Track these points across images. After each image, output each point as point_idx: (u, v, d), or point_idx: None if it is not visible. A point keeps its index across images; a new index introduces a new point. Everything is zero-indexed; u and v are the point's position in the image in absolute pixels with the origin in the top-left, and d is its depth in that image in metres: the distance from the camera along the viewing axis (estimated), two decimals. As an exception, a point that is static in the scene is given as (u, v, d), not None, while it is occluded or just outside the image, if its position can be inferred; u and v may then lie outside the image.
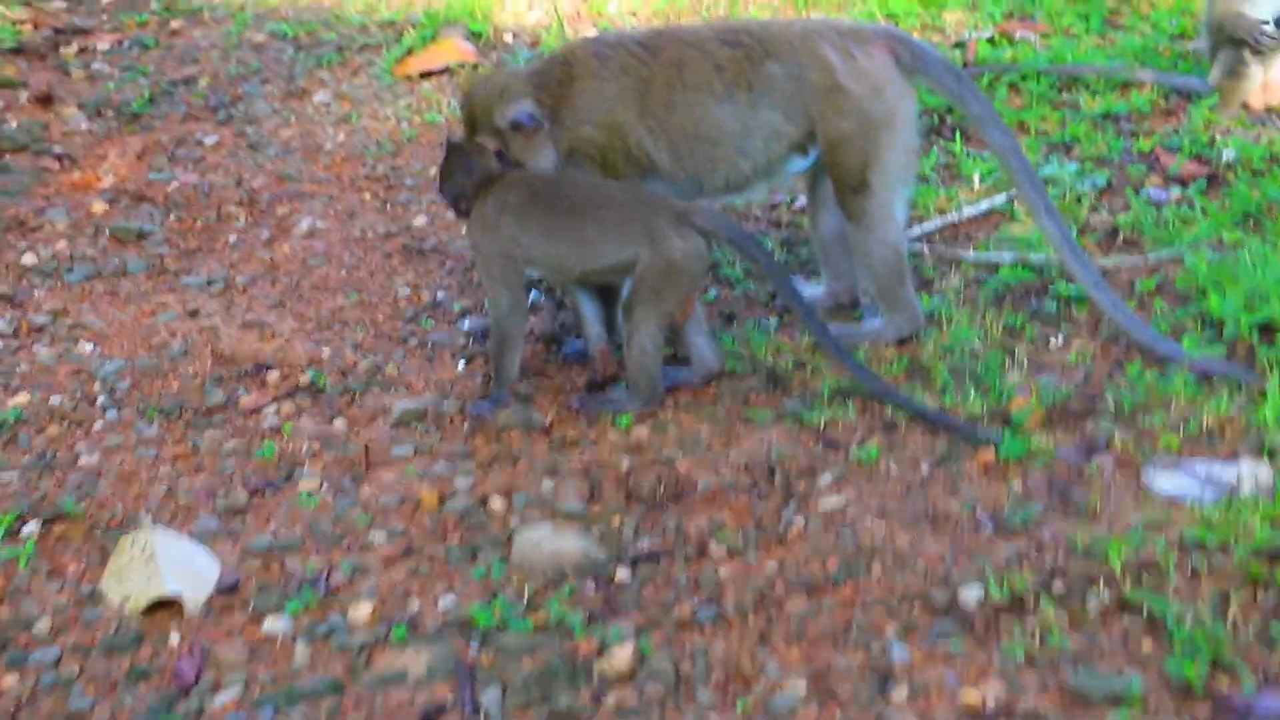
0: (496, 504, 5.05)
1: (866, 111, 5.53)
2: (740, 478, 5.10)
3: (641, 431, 5.38)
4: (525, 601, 4.60)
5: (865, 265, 5.68)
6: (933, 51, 5.68)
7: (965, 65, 7.76)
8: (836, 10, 8.58)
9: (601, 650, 4.37)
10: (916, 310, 5.70)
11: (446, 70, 8.25)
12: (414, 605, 4.62)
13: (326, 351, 5.95)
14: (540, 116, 5.57)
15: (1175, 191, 6.53)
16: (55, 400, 5.71)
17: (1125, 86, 7.45)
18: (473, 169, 5.49)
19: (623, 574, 4.70)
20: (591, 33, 8.57)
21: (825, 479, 5.07)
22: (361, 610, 4.59)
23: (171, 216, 7.07)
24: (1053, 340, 5.65)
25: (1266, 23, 6.94)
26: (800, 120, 5.57)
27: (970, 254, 6.24)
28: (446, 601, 4.62)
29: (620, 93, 5.60)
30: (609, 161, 5.63)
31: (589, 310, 5.65)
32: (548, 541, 4.80)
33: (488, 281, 5.51)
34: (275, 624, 4.56)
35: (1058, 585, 4.46)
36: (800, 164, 5.70)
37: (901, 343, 5.69)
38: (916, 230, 6.42)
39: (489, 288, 5.51)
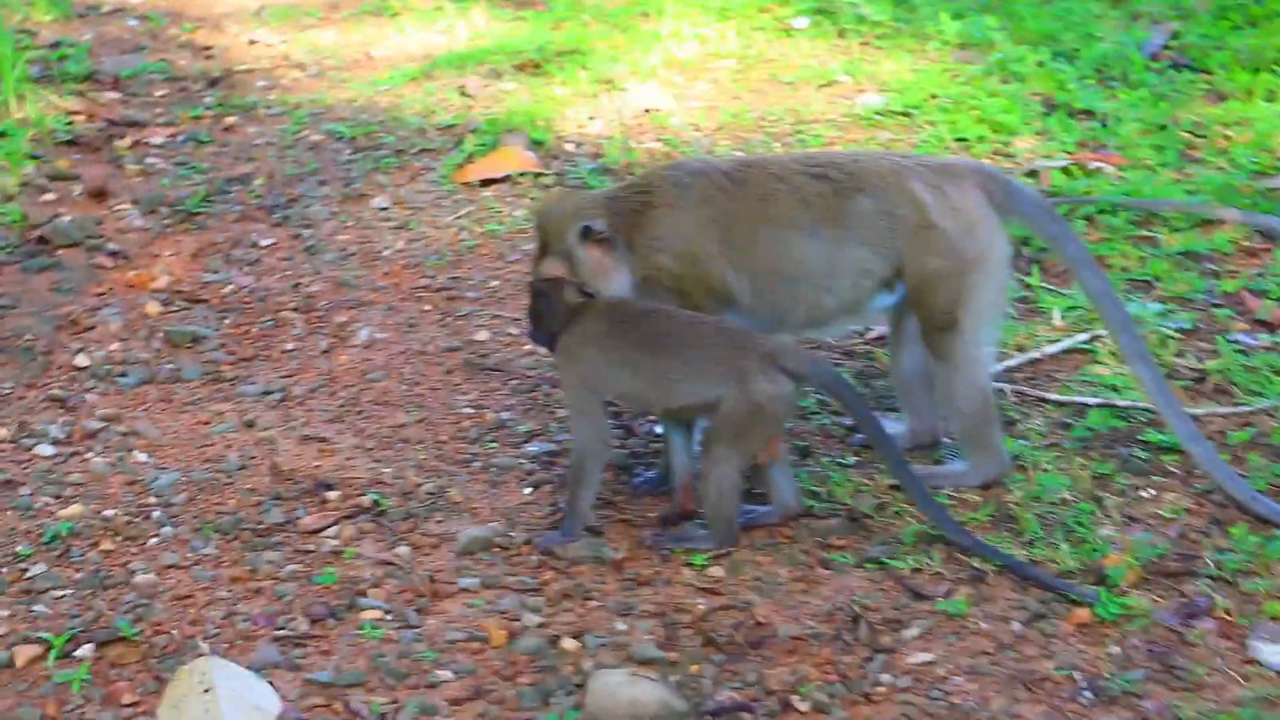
0: (568, 644, 4.84)
1: (958, 250, 5.37)
2: (822, 627, 4.89)
3: (717, 571, 5.18)
4: (602, 754, 4.39)
5: (951, 406, 5.50)
6: (1027, 190, 5.54)
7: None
8: (905, 133, 8.45)
9: (683, 811, 4.16)
10: (1003, 454, 5.51)
11: (508, 178, 8.12)
12: (484, 753, 4.41)
13: (388, 471, 5.76)
14: (610, 232, 5.44)
15: (1265, 338, 6.34)
16: (109, 513, 5.52)
17: (1206, 224, 7.29)
18: (556, 304, 5.34)
19: (703, 727, 4.49)
20: (654, 145, 8.45)
21: (911, 631, 4.86)
22: (430, 756, 4.39)
23: (227, 320, 6.92)
24: (1144, 491, 5.46)
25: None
26: (889, 257, 5.42)
27: (1053, 395, 6.06)
28: (517, 751, 4.42)
29: (700, 224, 5.45)
30: (686, 291, 5.48)
31: (677, 441, 5.46)
32: (624, 689, 4.59)
33: (571, 411, 5.34)
34: (339, 768, 4.37)
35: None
36: (886, 300, 5.54)
37: (986, 488, 5.50)
38: (998, 367, 6.24)
39: (572, 417, 5.34)
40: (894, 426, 5.85)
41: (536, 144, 8.47)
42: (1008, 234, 5.51)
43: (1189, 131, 8.40)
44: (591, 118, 8.82)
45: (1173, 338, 6.39)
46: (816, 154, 6.45)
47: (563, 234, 5.49)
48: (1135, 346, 5.41)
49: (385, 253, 7.50)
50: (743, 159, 5.93)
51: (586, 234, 5.44)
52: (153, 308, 6.99)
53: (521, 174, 8.17)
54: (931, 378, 5.63)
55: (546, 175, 8.15)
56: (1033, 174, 7.90)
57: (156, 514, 5.53)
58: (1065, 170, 7.89)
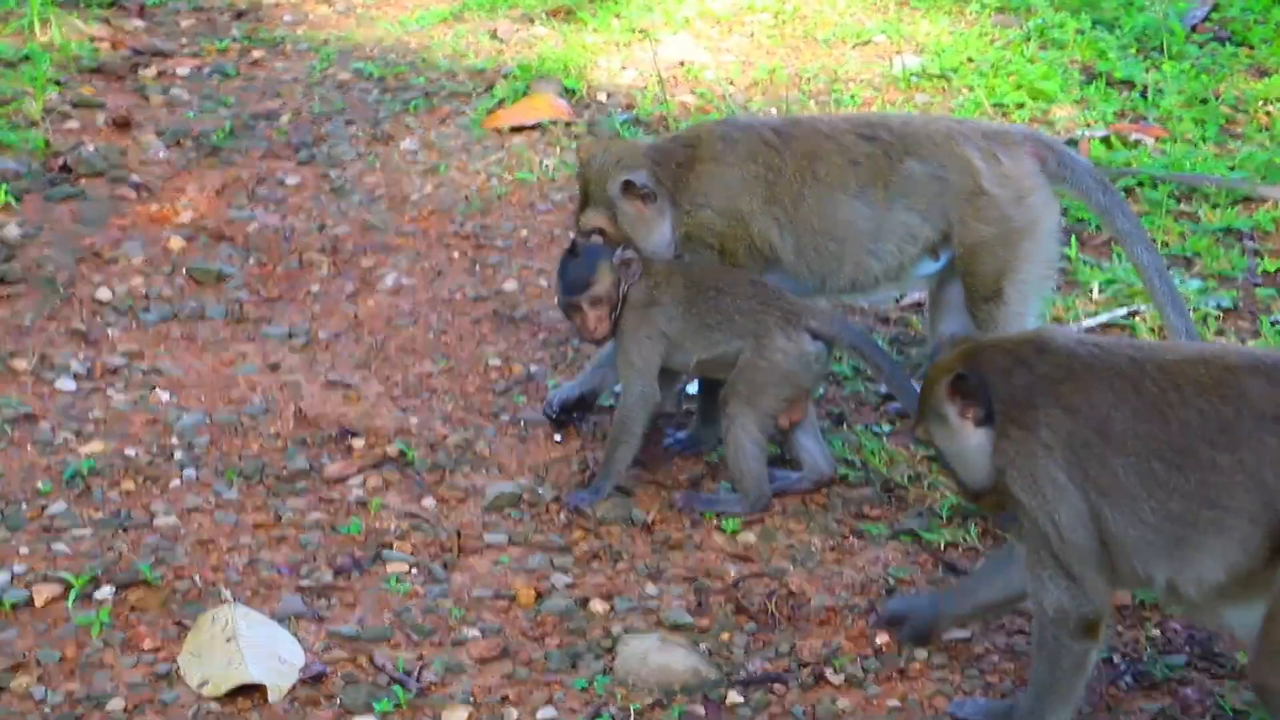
0: (597, 606, 4.76)
1: (1009, 218, 5.27)
2: (856, 599, 4.81)
3: (749, 537, 5.10)
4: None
5: None
6: (1081, 160, 5.43)
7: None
8: (942, 96, 8.32)
9: (714, 783, 4.09)
10: None
11: (539, 126, 7.98)
12: (512, 715, 4.32)
13: (414, 421, 5.66)
14: (652, 185, 5.34)
15: (1305, 320, 6.25)
16: (130, 452, 5.43)
17: (1248, 201, 7.18)
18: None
19: (734, 696, 4.41)
20: (688, 98, 8.32)
21: (946, 607, 4.78)
22: (456, 716, 4.32)
23: (251, 259, 6.80)
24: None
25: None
26: (937, 223, 5.31)
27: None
28: (546, 713, 4.33)
29: (746, 180, 5.36)
30: (728, 249, 5.38)
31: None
32: (654, 654, 4.51)
33: (623, 366, 5.25)
34: (364, 723, 4.29)
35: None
36: (931, 267, 5.44)
37: None
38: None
39: (623, 372, 5.26)
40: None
41: (568, 92, 8.33)
42: (1059, 204, 5.41)
43: (1230, 106, 8.26)
44: (624, 67, 8.68)
45: (1213, 316, 6.28)
46: (867, 115, 6.34)
47: (604, 185, 5.39)
48: (1184, 324, 5.31)
49: (413, 197, 7.37)
50: (791, 117, 5.83)
51: (629, 187, 5.34)
52: (176, 243, 6.87)
53: (553, 122, 8.03)
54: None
55: (578, 124, 8.02)
56: (1072, 143, 7.75)
57: (179, 455, 5.44)
58: (1105, 141, 7.76)
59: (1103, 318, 6.29)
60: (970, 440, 4.01)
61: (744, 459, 5.16)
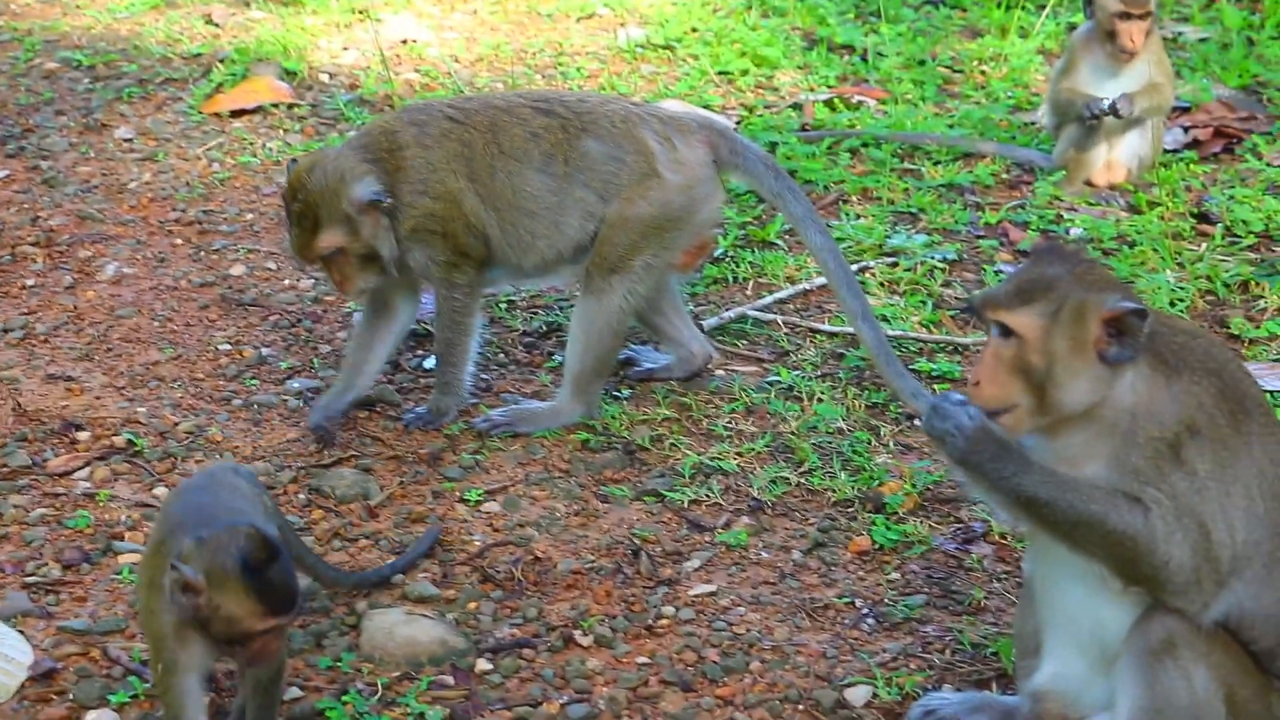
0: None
1: (670, 203, 5.34)
2: (602, 560, 4.79)
3: (493, 506, 5.04)
4: (379, 695, 4.22)
5: (579, 341, 5.40)
6: (754, 148, 5.51)
7: (804, 128, 7.58)
8: (667, 66, 8.36)
9: (466, 752, 4.02)
10: (597, 405, 5.47)
11: (260, 109, 7.80)
12: (256, 699, 4.19)
13: (142, 410, 5.48)
14: (385, 191, 5.30)
15: (1027, 268, 6.39)
16: None
17: (968, 157, 7.34)
18: None
19: (483, 664, 4.35)
20: (412, 76, 8.23)
21: (692, 564, 4.79)
22: (197, 704, 4.15)
23: (-41, 256, 6.51)
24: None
25: (1105, 99, 6.89)
26: (613, 202, 5.34)
27: (825, 326, 6.03)
28: (292, 694, 4.21)
29: (448, 159, 5.37)
30: (451, 233, 5.36)
31: None
32: (400, 628, 4.43)
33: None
34: (99, 718, 4.11)
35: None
36: None
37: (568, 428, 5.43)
38: (769, 299, 6.19)
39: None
40: (664, 359, 5.77)
41: (289, 74, 8.17)
42: (724, 194, 5.54)
43: (947, 66, 8.47)
44: (346, 48, 8.54)
45: (939, 268, 6.41)
46: (542, 91, 6.53)
47: (338, 202, 5.25)
48: (859, 305, 5.35)
49: (131, 185, 7.14)
50: (465, 96, 5.85)
51: (374, 201, 5.25)
52: (-122, 242, 6.56)
53: (274, 105, 7.86)
54: (680, 306, 5.70)
55: (301, 106, 7.87)
56: (796, 107, 7.88)
57: (-108, 457, 5.18)
58: (828, 104, 7.89)
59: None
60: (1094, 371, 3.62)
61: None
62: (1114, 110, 6.87)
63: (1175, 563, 3.60)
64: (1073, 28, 8.04)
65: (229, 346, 5.93)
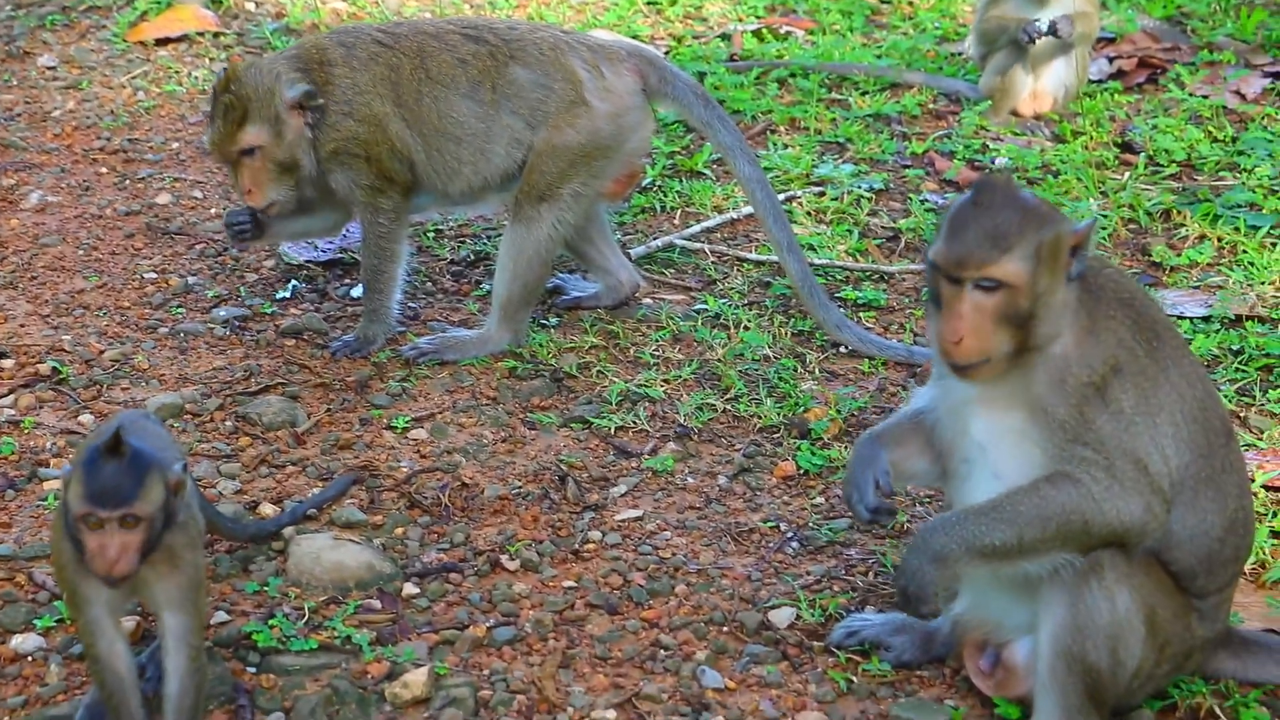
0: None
1: (599, 130, 5.35)
2: (529, 486, 4.82)
3: (420, 433, 5.05)
4: (306, 619, 4.24)
5: (507, 269, 5.41)
6: (683, 76, 5.52)
7: (733, 58, 7.59)
8: (597, -4, 8.35)
9: (392, 673, 4.05)
10: (525, 333, 5.49)
11: (185, 38, 7.74)
12: (182, 624, 4.20)
13: (67, 339, 5.45)
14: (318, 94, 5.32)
15: (952, 197, 6.44)
16: None
17: (895, 87, 7.38)
18: None
19: (410, 589, 4.38)
20: (339, 5, 8.17)
21: (619, 489, 4.82)
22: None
23: (-120, 184, 6.45)
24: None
25: (1038, 20, 6.90)
26: (541, 129, 5.34)
27: (752, 255, 6.06)
28: (218, 619, 4.23)
29: (375, 83, 5.37)
30: (375, 157, 5.36)
31: None
32: (327, 553, 4.44)
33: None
34: (24, 642, 4.12)
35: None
36: None
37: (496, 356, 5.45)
38: (696, 228, 6.21)
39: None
40: (591, 288, 5.79)
41: (215, 3, 8.10)
42: (652, 124, 5.54)
43: (875, -3, 8.49)
44: (272, -25, 8.47)
45: (866, 198, 6.45)
46: (471, 18, 6.49)
47: (270, 100, 5.27)
48: (785, 236, 5.41)
49: (55, 113, 7.08)
50: (395, 21, 5.82)
51: (308, 98, 5.26)
52: None
53: (200, 33, 7.80)
54: (608, 234, 5.71)
55: (226, 35, 7.81)
56: (725, 37, 7.88)
57: None
58: (757, 34, 7.89)
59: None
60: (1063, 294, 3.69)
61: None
62: (1053, 30, 6.88)
63: (1125, 513, 3.66)
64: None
65: (155, 275, 5.90)
